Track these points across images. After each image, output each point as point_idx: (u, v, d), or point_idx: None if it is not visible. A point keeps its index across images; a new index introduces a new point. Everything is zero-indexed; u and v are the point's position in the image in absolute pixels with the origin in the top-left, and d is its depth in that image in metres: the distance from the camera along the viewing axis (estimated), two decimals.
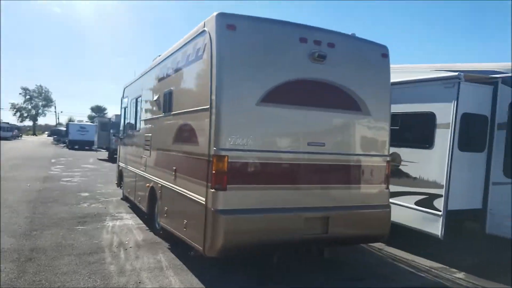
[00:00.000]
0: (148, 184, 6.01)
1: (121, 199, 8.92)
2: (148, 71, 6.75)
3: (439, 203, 5.14)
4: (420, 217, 5.38)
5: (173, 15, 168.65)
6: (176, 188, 4.68)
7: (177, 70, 5.08)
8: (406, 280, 4.60)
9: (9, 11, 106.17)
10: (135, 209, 7.62)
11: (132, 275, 4.26)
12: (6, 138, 42.43)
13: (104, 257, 4.80)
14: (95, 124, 26.52)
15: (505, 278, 4.64)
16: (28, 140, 51.94)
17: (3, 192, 8.86)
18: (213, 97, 3.75)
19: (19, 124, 71.24)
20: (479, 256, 5.46)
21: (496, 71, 5.45)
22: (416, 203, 5.47)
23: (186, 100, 4.67)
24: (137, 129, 7.27)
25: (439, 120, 5.25)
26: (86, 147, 30.17)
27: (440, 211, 5.10)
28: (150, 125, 6.35)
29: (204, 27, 4.05)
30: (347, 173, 4.38)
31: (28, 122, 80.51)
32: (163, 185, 5.23)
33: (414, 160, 5.60)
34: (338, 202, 4.28)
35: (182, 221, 4.41)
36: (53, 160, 19.53)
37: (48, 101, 79.22)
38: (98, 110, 75.06)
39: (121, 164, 8.82)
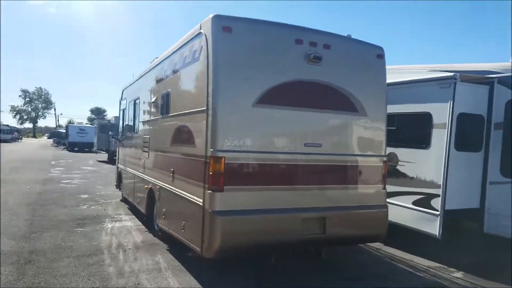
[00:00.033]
0: (146, 186, 6.03)
1: (121, 200, 8.94)
2: (146, 73, 6.78)
3: (436, 202, 5.17)
4: (417, 217, 5.40)
5: (173, 15, 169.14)
6: (174, 190, 4.71)
7: (174, 72, 5.11)
8: (405, 280, 4.62)
9: (9, 11, 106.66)
10: (134, 210, 7.63)
11: (130, 277, 4.28)
12: (6, 141, 42.49)
13: (103, 259, 4.82)
14: (95, 126, 26.56)
15: (503, 277, 4.66)
16: (28, 142, 51.95)
17: (3, 195, 8.89)
18: (210, 98, 3.78)
19: (19, 126, 71.44)
20: (477, 255, 5.47)
21: (492, 71, 5.48)
22: (414, 203, 5.49)
23: (183, 101, 4.69)
24: (136, 131, 7.30)
25: (435, 120, 5.27)
26: (86, 149, 30.24)
27: (438, 210, 5.12)
28: (148, 127, 6.38)
29: (200, 29, 4.07)
30: (344, 174, 4.40)
31: (28, 125, 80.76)
32: (161, 187, 5.25)
33: (411, 160, 5.62)
34: (335, 202, 4.30)
35: (180, 223, 4.44)
36: (53, 162, 19.56)
37: (48, 103, 79.35)
38: (98, 112, 75.10)
39: (120, 166, 8.85)
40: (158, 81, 5.87)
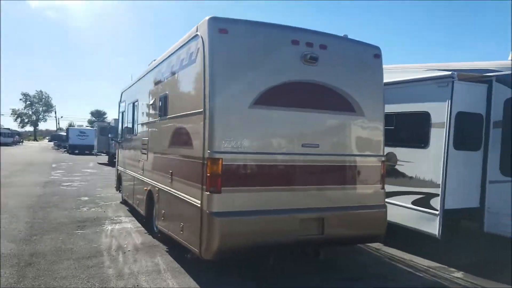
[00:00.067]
0: (145, 188, 6.04)
1: (120, 202, 8.95)
2: (144, 75, 6.80)
3: (435, 202, 5.15)
4: (417, 217, 5.39)
5: (173, 15, 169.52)
6: (173, 191, 4.71)
7: (171, 74, 5.12)
8: (405, 280, 4.61)
9: (9, 11, 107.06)
10: (134, 212, 7.64)
11: (130, 279, 4.28)
12: (7, 144, 42.60)
13: (102, 261, 4.83)
14: (95, 128, 26.64)
15: (504, 277, 4.64)
16: (29, 145, 52.13)
17: (4, 198, 8.91)
18: (207, 100, 3.79)
19: (20, 129, 71.62)
20: (477, 255, 5.45)
21: (490, 69, 5.47)
22: (413, 203, 5.48)
23: (181, 103, 4.71)
24: (135, 133, 7.32)
25: (434, 119, 5.27)
26: (86, 152, 30.34)
27: (437, 210, 5.11)
28: (147, 129, 6.39)
29: (196, 31, 4.09)
30: (342, 174, 4.39)
31: (29, 128, 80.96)
32: (160, 189, 5.26)
33: (410, 160, 5.62)
34: (333, 203, 4.29)
35: (178, 224, 4.44)
36: (53, 165, 19.61)
37: (48, 107, 79.58)
38: (98, 115, 75.28)
39: (120, 168, 8.87)
40: (156, 83, 5.89)
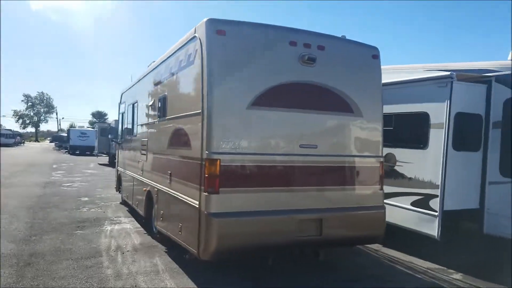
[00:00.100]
0: (145, 188, 6.05)
1: (120, 203, 8.97)
2: (144, 77, 6.83)
3: (435, 203, 5.14)
4: (416, 218, 5.38)
5: (172, 16, 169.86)
6: (172, 192, 4.72)
7: (170, 76, 5.14)
8: (403, 281, 4.59)
9: (9, 12, 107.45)
10: (133, 213, 7.65)
11: (128, 279, 4.29)
12: (8, 145, 42.71)
13: (101, 261, 4.84)
14: (95, 129, 26.72)
15: (503, 279, 4.62)
16: (30, 146, 52.22)
17: (4, 198, 8.93)
18: (205, 101, 3.80)
19: (21, 130, 71.81)
20: (477, 256, 5.42)
21: (490, 69, 5.45)
22: (412, 204, 5.47)
23: (180, 105, 4.72)
24: (134, 134, 7.34)
25: (433, 120, 5.26)
26: (87, 152, 30.40)
27: (436, 211, 5.09)
28: (146, 130, 6.41)
29: (195, 33, 4.10)
30: (340, 175, 4.39)
31: (30, 129, 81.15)
32: (159, 189, 5.27)
33: (409, 161, 5.61)
34: (331, 203, 4.29)
35: (177, 225, 4.45)
36: (54, 166, 19.65)
37: (50, 108, 79.79)
38: (99, 116, 75.48)
39: (120, 169, 8.89)
40: (155, 84, 5.91)
